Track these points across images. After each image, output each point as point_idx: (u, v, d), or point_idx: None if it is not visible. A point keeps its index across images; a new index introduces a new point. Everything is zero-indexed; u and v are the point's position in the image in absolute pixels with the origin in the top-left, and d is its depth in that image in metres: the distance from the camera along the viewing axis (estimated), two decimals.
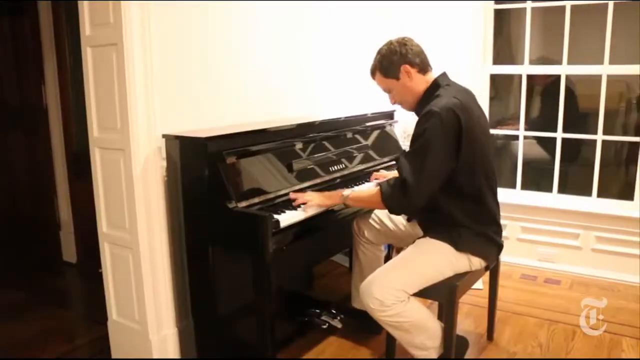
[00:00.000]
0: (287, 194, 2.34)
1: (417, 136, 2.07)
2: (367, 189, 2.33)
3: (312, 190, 2.43)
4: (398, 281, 2.11)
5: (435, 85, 2.21)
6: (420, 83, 2.22)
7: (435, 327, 2.20)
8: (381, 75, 2.26)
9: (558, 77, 3.66)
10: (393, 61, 2.21)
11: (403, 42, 2.22)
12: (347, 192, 2.29)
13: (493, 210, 2.28)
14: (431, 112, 2.04)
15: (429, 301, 3.09)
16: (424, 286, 2.17)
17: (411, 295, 2.15)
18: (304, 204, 2.24)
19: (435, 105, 2.06)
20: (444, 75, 2.26)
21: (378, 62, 2.26)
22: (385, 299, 2.07)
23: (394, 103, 2.33)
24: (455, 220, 2.20)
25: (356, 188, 2.54)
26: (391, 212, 2.19)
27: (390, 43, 2.24)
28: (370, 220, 2.60)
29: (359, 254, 2.65)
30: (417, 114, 2.23)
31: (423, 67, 2.23)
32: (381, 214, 2.58)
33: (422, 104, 2.20)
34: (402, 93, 2.26)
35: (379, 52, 2.27)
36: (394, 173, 2.60)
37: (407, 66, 2.20)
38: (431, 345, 2.19)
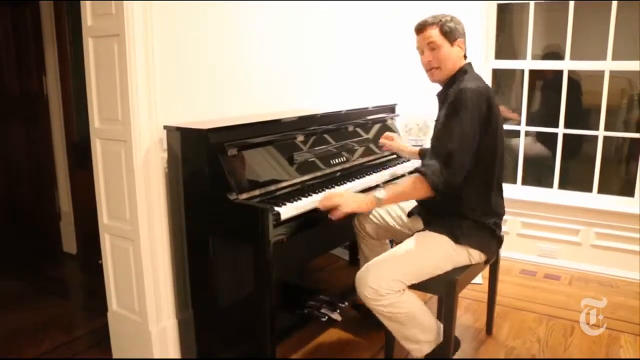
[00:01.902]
0: (287, 186, 2.34)
1: (451, 113, 2.10)
2: (400, 183, 2.22)
3: (314, 183, 2.44)
4: (394, 271, 2.11)
5: (465, 70, 2.27)
6: (460, 62, 2.28)
7: (429, 321, 2.20)
8: (438, 31, 2.23)
9: (558, 72, 3.67)
10: (457, 29, 2.26)
11: (460, 21, 2.29)
12: (379, 194, 2.15)
13: (498, 201, 2.31)
14: (464, 90, 2.10)
15: (429, 295, 3.10)
16: (421, 279, 2.16)
17: (408, 287, 2.14)
18: (333, 209, 2.14)
19: (466, 85, 2.12)
20: (470, 64, 2.32)
21: (443, 20, 2.24)
22: (380, 288, 2.07)
23: (428, 62, 2.27)
24: (459, 208, 2.21)
25: (386, 187, 2.27)
26: (436, 190, 2.09)
27: (453, 16, 2.29)
28: (371, 216, 2.59)
29: (364, 248, 2.65)
30: (443, 85, 2.30)
31: (465, 52, 2.31)
32: (381, 210, 2.58)
33: (451, 80, 2.26)
34: (447, 59, 2.25)
35: (443, 15, 2.27)
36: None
37: (461, 42, 2.27)
38: (424, 339, 2.18)
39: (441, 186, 2.07)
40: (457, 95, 2.11)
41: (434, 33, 2.23)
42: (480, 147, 2.13)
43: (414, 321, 2.15)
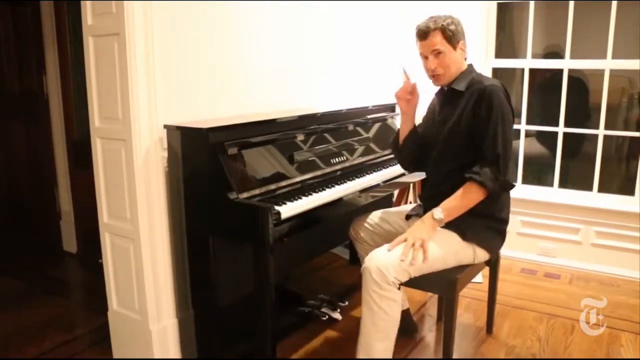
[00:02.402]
0: (288, 186, 2.34)
1: (491, 115, 2.13)
2: (454, 196, 2.17)
3: (314, 182, 2.44)
4: (404, 261, 2.09)
5: (471, 69, 2.31)
6: (463, 64, 2.29)
7: (392, 344, 2.17)
8: (442, 36, 2.20)
9: (556, 71, 3.67)
10: (458, 31, 2.24)
11: (460, 21, 2.27)
12: (437, 214, 2.15)
13: (506, 198, 2.34)
14: (494, 91, 2.14)
15: (429, 295, 3.11)
16: (425, 272, 2.16)
17: (408, 285, 2.14)
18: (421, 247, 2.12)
19: (490, 84, 2.17)
20: (472, 65, 2.34)
21: (444, 23, 2.20)
22: (388, 274, 2.05)
23: (433, 68, 2.24)
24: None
25: (442, 205, 2.19)
26: (494, 194, 2.17)
27: (452, 16, 2.25)
28: (365, 224, 2.58)
29: (363, 254, 2.61)
30: (450, 87, 2.28)
31: (466, 53, 2.31)
32: (376, 217, 2.58)
33: (459, 80, 2.26)
34: (451, 63, 2.24)
35: (443, 17, 2.22)
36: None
37: (463, 44, 2.27)
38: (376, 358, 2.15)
39: (498, 190, 2.16)
40: (489, 95, 2.14)
41: (438, 39, 2.20)
42: None
43: (388, 333, 2.13)
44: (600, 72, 3.53)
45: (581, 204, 3.61)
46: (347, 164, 2.73)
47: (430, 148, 2.39)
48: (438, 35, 2.20)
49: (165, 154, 2.34)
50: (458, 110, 2.23)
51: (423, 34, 2.22)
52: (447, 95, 2.34)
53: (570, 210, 3.64)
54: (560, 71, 3.65)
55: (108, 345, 2.56)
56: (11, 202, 4.34)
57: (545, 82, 4.01)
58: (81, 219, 3.79)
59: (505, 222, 2.34)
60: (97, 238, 2.49)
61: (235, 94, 2.70)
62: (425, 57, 2.26)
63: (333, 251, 3.51)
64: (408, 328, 2.67)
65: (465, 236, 2.21)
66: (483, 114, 2.14)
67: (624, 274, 3.47)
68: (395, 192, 3.72)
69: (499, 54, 3.89)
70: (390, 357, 2.17)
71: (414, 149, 2.47)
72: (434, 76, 2.27)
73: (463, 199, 2.16)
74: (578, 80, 3.86)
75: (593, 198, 3.63)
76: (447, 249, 2.19)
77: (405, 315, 2.63)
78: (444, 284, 2.21)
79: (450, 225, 2.20)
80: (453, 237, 2.21)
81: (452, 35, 2.21)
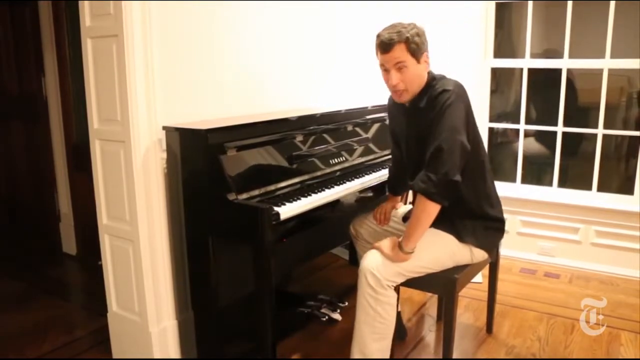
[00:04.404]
0: (287, 186, 2.34)
1: (439, 113, 2.03)
2: (411, 219, 2.12)
3: (313, 183, 2.44)
4: (397, 262, 2.10)
5: (432, 77, 2.18)
6: (425, 76, 2.16)
7: (389, 344, 2.17)
8: (406, 49, 2.07)
9: (550, 71, 3.68)
10: (423, 43, 2.12)
11: (424, 31, 2.13)
12: (406, 247, 2.08)
13: (495, 194, 2.31)
14: (445, 90, 2.04)
15: (429, 295, 3.11)
16: (421, 273, 2.16)
17: (408, 286, 2.14)
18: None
19: (446, 85, 2.07)
20: (432, 71, 2.22)
21: (409, 35, 2.06)
22: (382, 277, 2.06)
23: (395, 84, 2.11)
24: (462, 207, 2.18)
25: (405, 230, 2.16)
26: (438, 194, 2.00)
27: (416, 25, 2.11)
28: (366, 221, 2.58)
29: (362, 253, 2.61)
30: (412, 103, 2.20)
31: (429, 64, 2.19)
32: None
33: (422, 94, 2.16)
34: (414, 78, 2.12)
35: (408, 27, 2.09)
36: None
37: (427, 55, 2.14)
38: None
39: (434, 191, 2.00)
40: (440, 97, 2.05)
41: (402, 53, 2.07)
42: (469, 138, 2.07)
43: (384, 332, 2.13)
44: (599, 72, 3.53)
45: (580, 204, 3.61)
46: (346, 165, 2.73)
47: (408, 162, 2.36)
48: (402, 48, 2.07)
49: (164, 155, 2.34)
50: (422, 127, 2.13)
51: (386, 47, 2.08)
52: (411, 112, 2.24)
53: (569, 210, 3.64)
54: (553, 71, 3.65)
55: (108, 347, 2.56)
56: (11, 204, 4.34)
57: (540, 81, 4.01)
58: (80, 220, 3.80)
59: (499, 217, 2.31)
60: (97, 240, 2.49)
61: (234, 95, 2.70)
62: (386, 70, 2.14)
63: (333, 251, 3.50)
64: (398, 332, 2.66)
65: (461, 237, 2.21)
66: (431, 120, 2.07)
67: (623, 273, 3.47)
68: None
69: (498, 53, 3.89)
70: (387, 357, 2.18)
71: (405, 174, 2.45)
72: (396, 92, 2.16)
73: (418, 216, 2.06)
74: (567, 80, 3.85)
75: (592, 197, 3.63)
76: (443, 251, 2.19)
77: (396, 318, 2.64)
78: (443, 284, 2.21)
79: (446, 227, 2.20)
80: (449, 239, 2.21)
81: (416, 48, 2.08)
